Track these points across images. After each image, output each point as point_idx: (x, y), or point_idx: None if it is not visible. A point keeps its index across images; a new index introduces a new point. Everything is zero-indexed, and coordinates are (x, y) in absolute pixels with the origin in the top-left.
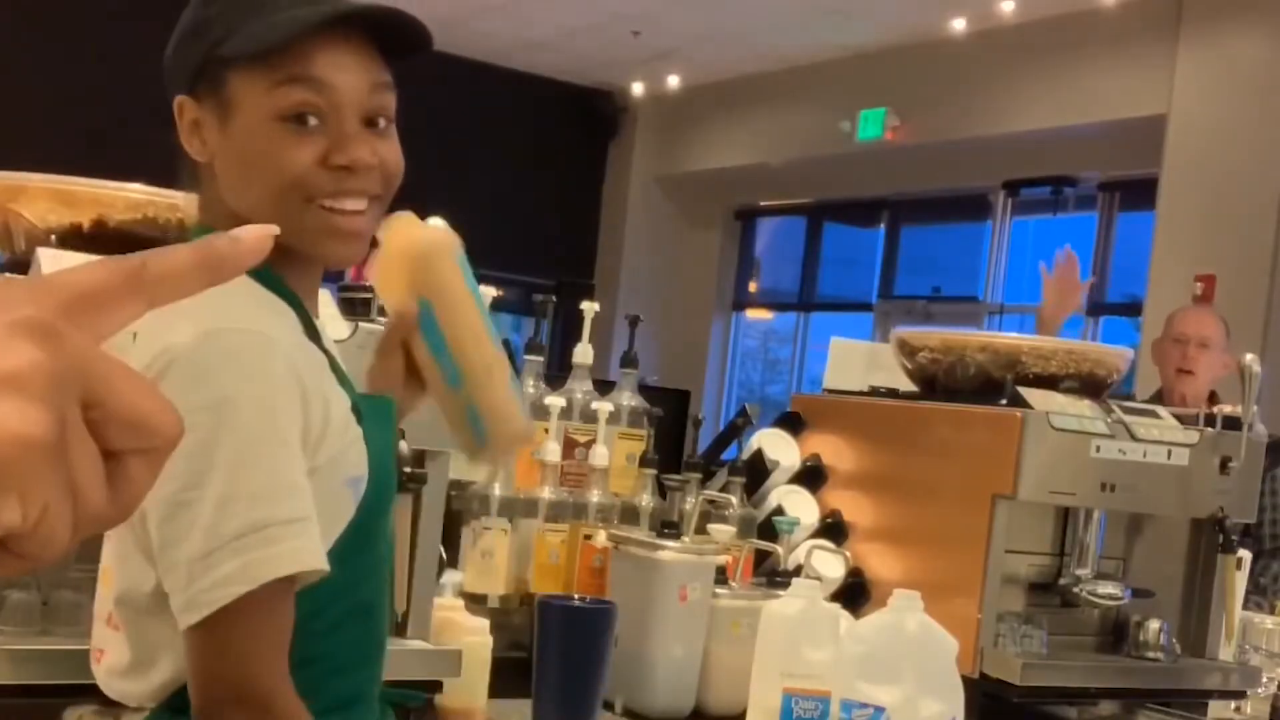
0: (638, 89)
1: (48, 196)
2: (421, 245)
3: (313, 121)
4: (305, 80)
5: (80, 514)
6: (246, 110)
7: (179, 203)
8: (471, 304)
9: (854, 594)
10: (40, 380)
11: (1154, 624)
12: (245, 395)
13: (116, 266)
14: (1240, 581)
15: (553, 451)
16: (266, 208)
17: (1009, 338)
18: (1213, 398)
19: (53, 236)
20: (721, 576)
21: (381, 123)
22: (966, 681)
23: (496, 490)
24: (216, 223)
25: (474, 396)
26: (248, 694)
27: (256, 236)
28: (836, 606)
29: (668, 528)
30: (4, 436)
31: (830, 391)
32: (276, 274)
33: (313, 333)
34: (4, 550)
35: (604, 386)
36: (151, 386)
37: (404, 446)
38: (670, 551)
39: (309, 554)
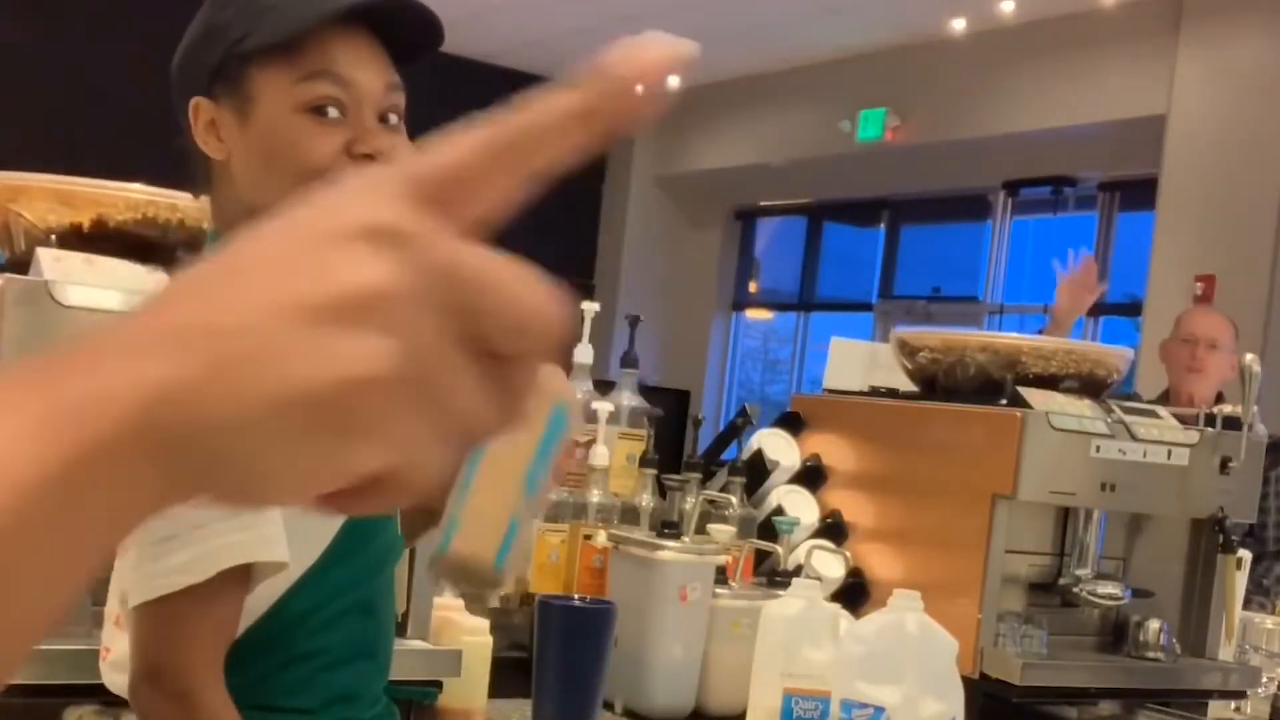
0: (638, 89)
1: (48, 196)
2: None
3: (333, 114)
4: (328, 74)
5: (460, 432)
6: (268, 105)
7: (179, 203)
8: (529, 448)
9: (854, 594)
10: (390, 302)
11: (1154, 624)
12: None
13: (480, 135)
14: (1240, 581)
15: None
16: (287, 198)
17: (1009, 338)
18: (1219, 400)
19: (53, 236)
20: (721, 576)
21: (393, 119)
22: (966, 681)
23: None
24: (232, 224)
25: (463, 512)
26: (166, 677)
27: (666, 46)
28: (836, 606)
29: (668, 528)
30: (349, 379)
31: (830, 391)
32: None
33: None
34: (384, 489)
35: (604, 386)
36: (530, 280)
37: None
38: (670, 551)
39: (258, 546)
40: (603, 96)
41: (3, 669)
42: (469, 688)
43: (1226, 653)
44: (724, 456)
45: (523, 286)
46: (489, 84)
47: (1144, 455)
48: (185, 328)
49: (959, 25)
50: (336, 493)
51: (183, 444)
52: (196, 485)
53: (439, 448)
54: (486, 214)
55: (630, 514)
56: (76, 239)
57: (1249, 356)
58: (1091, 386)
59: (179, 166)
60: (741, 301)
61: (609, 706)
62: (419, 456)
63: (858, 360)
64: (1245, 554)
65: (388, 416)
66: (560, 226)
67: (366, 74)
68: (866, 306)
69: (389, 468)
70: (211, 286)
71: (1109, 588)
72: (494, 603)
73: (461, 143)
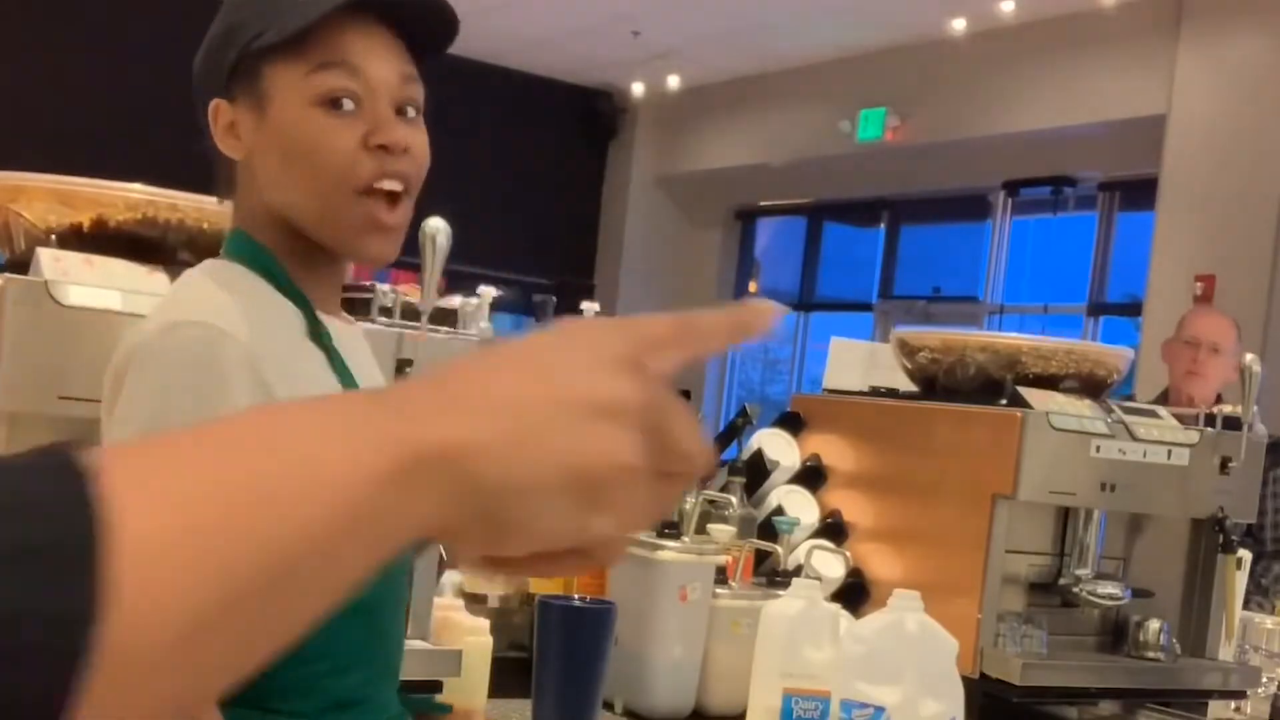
0: (638, 89)
1: (47, 196)
2: None
3: (348, 105)
4: (340, 65)
5: (639, 523)
6: (283, 100)
7: (179, 203)
8: None
9: (854, 594)
10: (638, 413)
11: (1154, 624)
12: (184, 387)
13: (674, 320)
14: (1240, 581)
15: None
16: (311, 198)
17: (1009, 338)
18: (1218, 400)
19: (53, 236)
20: (721, 576)
21: (411, 112)
22: (966, 681)
23: None
24: (253, 223)
25: None
26: None
27: (773, 309)
28: (836, 606)
29: (668, 528)
30: (614, 462)
31: (830, 391)
32: (289, 273)
33: (317, 332)
34: (581, 553)
35: None
36: (694, 420)
37: None
38: (670, 551)
39: None
40: (737, 326)
41: (283, 643)
42: (469, 688)
43: (1226, 653)
44: (724, 456)
45: (691, 423)
46: (490, 84)
47: (1144, 455)
48: (494, 402)
49: (959, 25)
50: (541, 555)
51: (470, 490)
52: (463, 524)
53: (632, 535)
54: (665, 370)
55: None
56: (76, 239)
57: (1249, 356)
58: (1091, 386)
59: (203, 171)
60: (741, 301)
61: (609, 706)
62: (625, 536)
63: (858, 360)
64: (1245, 554)
65: (625, 496)
66: (560, 226)
67: (379, 64)
68: (866, 306)
69: (603, 539)
70: (510, 373)
71: (1109, 588)
72: (494, 603)
73: (665, 319)
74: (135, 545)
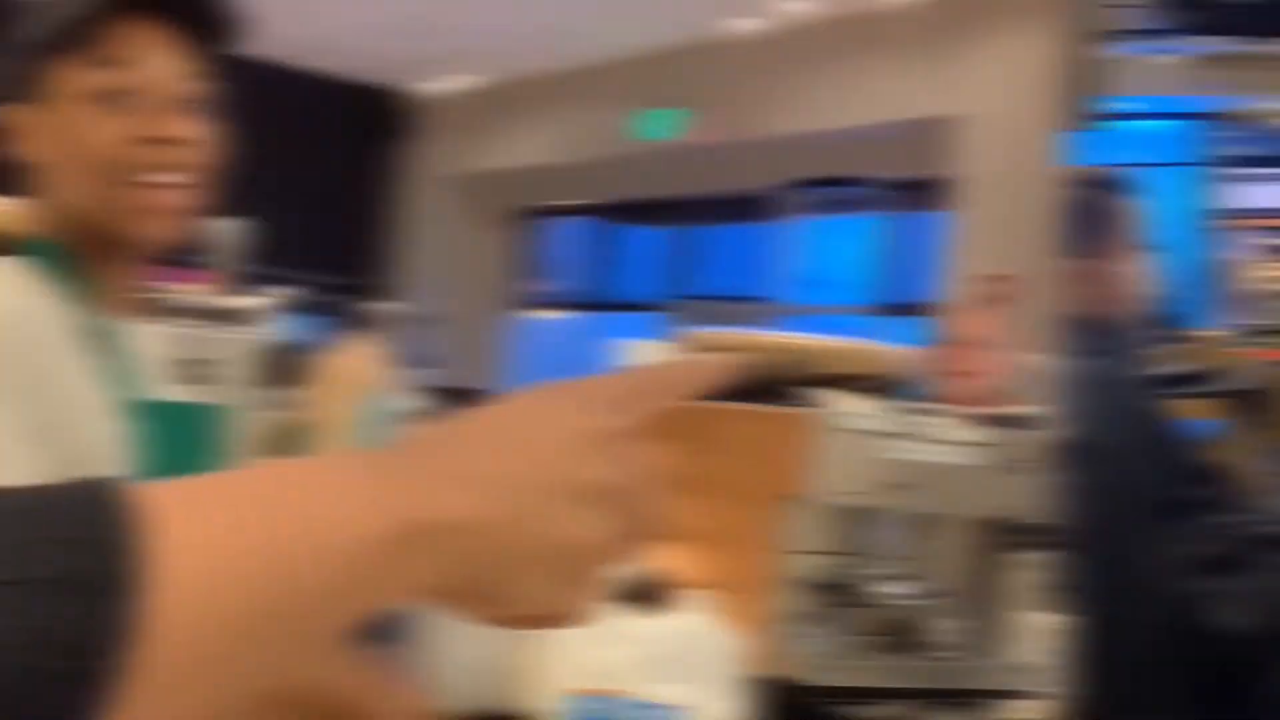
0: (426, 89)
1: None
2: (333, 370)
3: (121, 101)
4: (113, 61)
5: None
6: (62, 99)
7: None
8: (344, 431)
9: (644, 594)
10: (610, 494)
11: (944, 623)
12: None
13: (638, 378)
14: (1028, 581)
15: None
16: (84, 190)
17: (799, 338)
18: (995, 397)
19: None
20: None
21: (195, 107)
22: (757, 682)
23: None
24: (47, 224)
25: None
26: None
27: (729, 361)
28: (627, 606)
29: None
30: (592, 543)
31: None
32: (82, 273)
33: (100, 331)
34: (553, 616)
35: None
36: (658, 484)
37: None
38: None
39: None
40: (694, 378)
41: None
42: None
43: (1016, 653)
44: None
45: (657, 490)
46: (274, 83)
47: (933, 455)
48: (482, 480)
49: (748, 25)
50: (518, 616)
51: (458, 561)
52: (451, 591)
53: (596, 599)
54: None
55: None
56: None
57: (1039, 356)
58: (881, 387)
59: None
60: (532, 302)
61: None
62: (582, 609)
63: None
64: (1034, 554)
65: (589, 575)
66: (354, 227)
67: (157, 58)
68: (658, 307)
69: (566, 612)
70: (495, 450)
71: (899, 588)
72: None
73: (625, 380)
74: (164, 583)
